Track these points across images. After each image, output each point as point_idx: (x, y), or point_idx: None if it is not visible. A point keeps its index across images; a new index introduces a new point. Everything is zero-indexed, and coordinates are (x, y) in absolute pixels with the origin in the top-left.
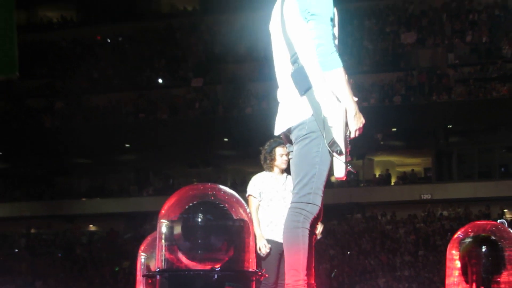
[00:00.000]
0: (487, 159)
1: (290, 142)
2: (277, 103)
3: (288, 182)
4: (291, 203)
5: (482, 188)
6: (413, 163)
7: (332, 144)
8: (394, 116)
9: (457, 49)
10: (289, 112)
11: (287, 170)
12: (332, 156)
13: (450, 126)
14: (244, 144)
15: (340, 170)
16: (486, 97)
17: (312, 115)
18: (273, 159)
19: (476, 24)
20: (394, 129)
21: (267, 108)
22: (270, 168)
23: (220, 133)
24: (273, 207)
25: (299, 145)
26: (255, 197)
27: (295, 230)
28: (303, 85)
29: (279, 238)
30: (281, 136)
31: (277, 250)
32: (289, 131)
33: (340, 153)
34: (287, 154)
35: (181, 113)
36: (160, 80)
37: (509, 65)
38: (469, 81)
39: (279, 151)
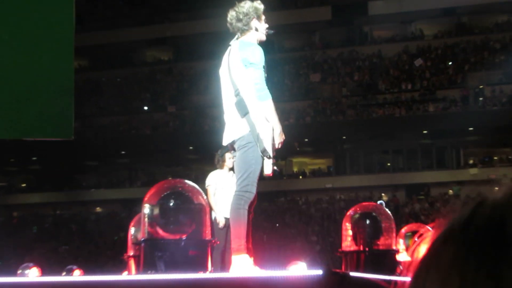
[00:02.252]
0: (369, 159)
1: (234, 149)
2: (224, 123)
3: (233, 177)
4: (235, 191)
5: (366, 179)
6: (320, 163)
7: (263, 151)
8: (306, 131)
9: (348, 85)
10: (232, 129)
11: (232, 169)
12: (263, 159)
13: (344, 137)
14: (204, 151)
15: (268, 169)
16: (368, 118)
17: (250, 131)
18: (223, 161)
19: (360, 67)
20: (306, 140)
21: (218, 126)
22: (222, 167)
23: (187, 143)
24: (223, 194)
25: (240, 151)
26: (212, 187)
27: (237, 210)
28: (243, 111)
29: (226, 215)
30: (228, 145)
31: (224, 224)
32: (233, 142)
33: (269, 157)
34: (233, 157)
35: (160, 130)
36: (145, 108)
37: (383, 96)
38: (356, 106)
39: (228, 155)
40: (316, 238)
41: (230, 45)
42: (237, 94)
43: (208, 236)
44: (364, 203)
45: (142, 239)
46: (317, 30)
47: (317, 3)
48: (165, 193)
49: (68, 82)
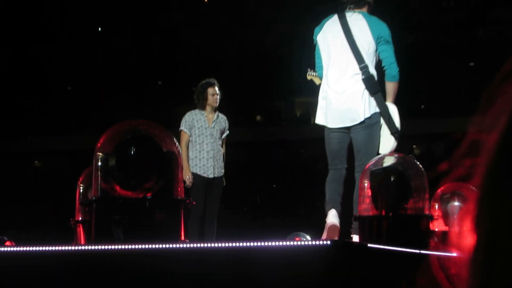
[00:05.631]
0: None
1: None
2: (327, 96)
3: (219, 120)
4: (356, 170)
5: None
6: None
7: (396, 132)
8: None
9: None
10: (358, 106)
11: (219, 109)
12: (396, 140)
13: None
14: (177, 86)
15: (389, 150)
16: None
17: (380, 112)
18: (205, 99)
19: None
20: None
21: (196, 54)
22: (203, 107)
23: (155, 77)
24: (200, 143)
25: (368, 130)
26: (185, 132)
27: None
28: (374, 88)
29: (203, 173)
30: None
31: (202, 183)
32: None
33: (397, 139)
34: (217, 94)
35: (119, 59)
36: (100, 29)
37: (417, 16)
38: None
39: (210, 91)
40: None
41: (339, 14)
42: (366, 71)
43: (180, 195)
44: (388, 155)
45: (94, 198)
46: None
47: None
48: (124, 138)
49: None
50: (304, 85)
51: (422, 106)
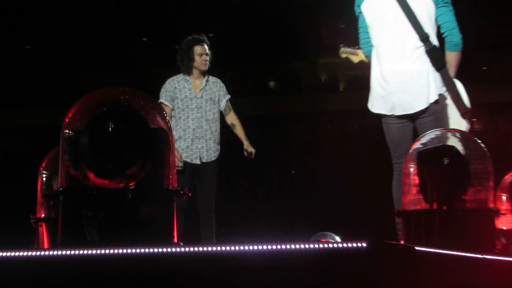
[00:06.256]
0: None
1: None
2: (382, 79)
3: (209, 87)
4: None
5: None
6: None
7: (466, 113)
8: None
9: None
10: (425, 87)
11: (210, 73)
12: (468, 122)
13: None
14: (162, 43)
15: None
16: None
17: (447, 88)
18: (190, 60)
19: None
20: (342, 25)
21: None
22: (188, 71)
23: (138, 32)
24: (185, 119)
25: (435, 115)
26: (166, 105)
27: None
28: (439, 62)
29: (188, 157)
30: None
31: (188, 171)
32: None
33: (469, 120)
34: (207, 54)
35: (93, 10)
36: None
37: None
38: None
39: (197, 50)
40: (363, 194)
41: None
42: (427, 41)
43: (172, 184)
44: (440, 131)
45: (61, 189)
46: None
47: None
48: (99, 111)
49: None
50: (330, 42)
51: (484, 68)
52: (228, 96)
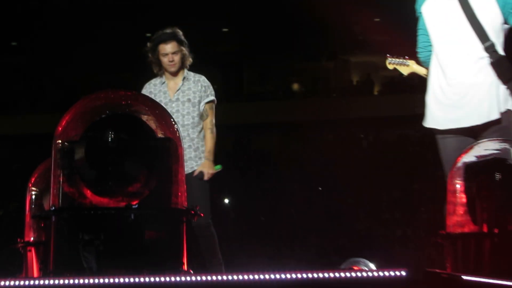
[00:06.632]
0: None
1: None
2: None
3: (187, 87)
4: None
5: None
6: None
7: None
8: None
9: None
10: (486, 102)
11: (177, 73)
12: None
13: None
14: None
15: None
16: None
17: None
18: (158, 60)
19: None
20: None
21: None
22: (160, 72)
23: (142, 28)
24: None
25: (499, 132)
26: None
27: None
28: (506, 75)
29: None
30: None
31: None
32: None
33: None
34: (173, 53)
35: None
36: None
37: None
38: None
39: (162, 49)
40: (397, 215)
41: None
42: (493, 51)
43: (182, 203)
44: (490, 141)
45: (53, 208)
46: None
47: None
48: (97, 118)
49: None
50: (363, 37)
51: None
52: (210, 99)
